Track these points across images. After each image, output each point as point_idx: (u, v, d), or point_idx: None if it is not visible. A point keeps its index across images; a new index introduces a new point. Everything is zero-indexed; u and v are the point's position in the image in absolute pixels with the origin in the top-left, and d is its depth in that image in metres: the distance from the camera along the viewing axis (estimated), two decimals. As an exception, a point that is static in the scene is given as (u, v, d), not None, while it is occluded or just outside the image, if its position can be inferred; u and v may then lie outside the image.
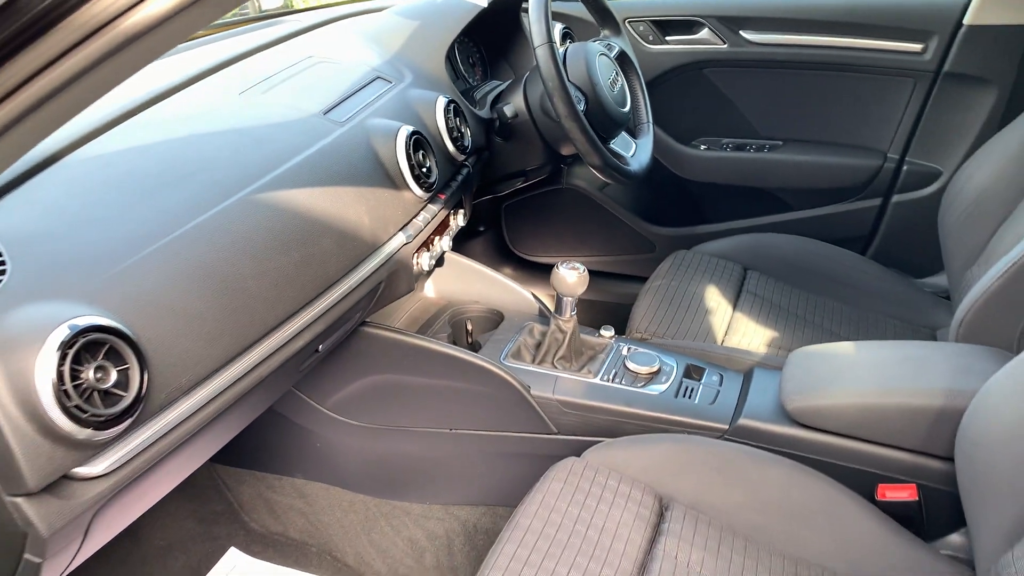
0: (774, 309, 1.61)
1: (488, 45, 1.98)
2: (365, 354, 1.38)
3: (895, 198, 2.01)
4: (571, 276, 1.31)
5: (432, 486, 1.49)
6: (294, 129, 1.20)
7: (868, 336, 1.57)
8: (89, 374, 0.75)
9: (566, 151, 1.68)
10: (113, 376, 0.77)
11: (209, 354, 0.90)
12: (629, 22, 2.10)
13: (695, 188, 2.20)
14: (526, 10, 1.45)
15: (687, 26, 2.08)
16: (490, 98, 1.71)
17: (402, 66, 1.55)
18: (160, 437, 0.85)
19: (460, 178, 1.47)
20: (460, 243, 1.62)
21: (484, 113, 1.65)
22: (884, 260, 1.88)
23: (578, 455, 1.17)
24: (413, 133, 1.30)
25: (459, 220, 1.53)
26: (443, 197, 1.38)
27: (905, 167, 1.99)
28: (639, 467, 1.15)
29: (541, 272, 2.28)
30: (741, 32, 2.03)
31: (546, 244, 2.29)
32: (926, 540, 1.10)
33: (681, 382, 1.32)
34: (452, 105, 1.47)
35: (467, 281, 1.61)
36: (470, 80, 1.89)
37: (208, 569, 1.49)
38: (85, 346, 0.75)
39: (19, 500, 0.75)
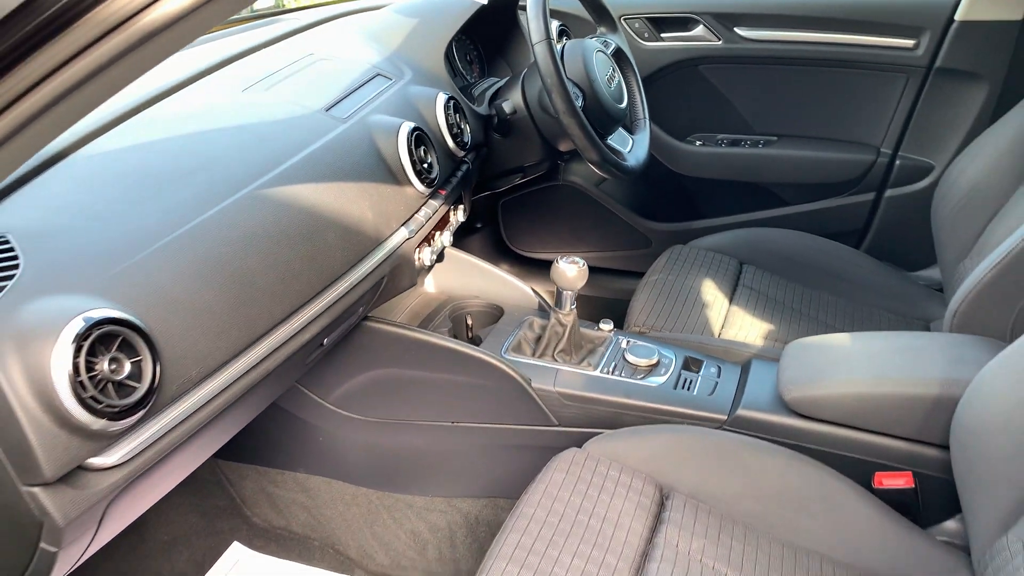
0: (770, 302, 1.63)
1: (485, 42, 1.99)
2: (367, 348, 1.39)
3: (888, 192, 2.03)
4: (571, 270, 1.32)
5: (434, 479, 1.50)
6: (297, 126, 1.21)
7: (863, 328, 1.58)
8: (103, 366, 0.76)
9: (564, 147, 1.69)
10: (127, 367, 0.78)
11: (219, 347, 0.91)
12: (625, 19, 2.12)
13: (691, 184, 2.21)
14: (523, 7, 1.45)
15: (682, 23, 2.10)
16: (488, 95, 1.72)
17: (402, 63, 1.56)
18: (171, 429, 0.86)
19: (460, 174, 1.49)
20: (458, 240, 1.62)
21: (482, 110, 1.66)
22: (878, 254, 1.90)
23: (579, 447, 1.19)
24: (414, 129, 1.32)
25: (459, 216, 1.54)
26: (444, 193, 1.39)
27: (898, 162, 2.01)
28: (640, 457, 1.16)
29: (538, 268, 2.29)
30: (736, 29, 2.04)
31: (543, 240, 2.30)
32: (922, 527, 1.12)
33: (680, 374, 1.34)
34: (452, 102, 1.48)
35: (467, 276, 1.62)
36: (468, 77, 1.90)
37: (212, 563, 1.50)
38: (99, 338, 0.76)
39: (36, 490, 0.76)
